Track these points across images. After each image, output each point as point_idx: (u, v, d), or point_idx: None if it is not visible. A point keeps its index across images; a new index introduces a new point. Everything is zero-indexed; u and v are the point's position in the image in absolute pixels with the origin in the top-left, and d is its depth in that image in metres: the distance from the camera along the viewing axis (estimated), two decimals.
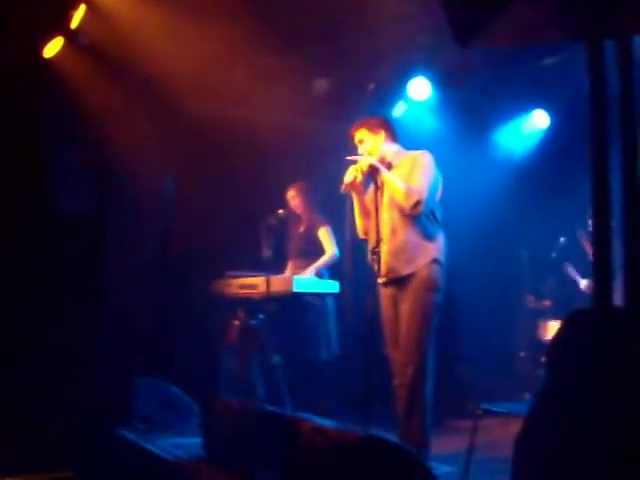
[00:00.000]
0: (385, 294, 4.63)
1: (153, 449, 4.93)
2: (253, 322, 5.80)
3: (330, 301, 6.07)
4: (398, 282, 4.54)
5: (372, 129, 4.73)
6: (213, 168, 6.75)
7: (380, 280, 4.52)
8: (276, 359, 5.63)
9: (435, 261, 4.52)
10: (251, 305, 5.84)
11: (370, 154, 4.66)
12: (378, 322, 4.59)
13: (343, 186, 4.52)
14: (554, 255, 6.92)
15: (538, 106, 7.45)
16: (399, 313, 4.55)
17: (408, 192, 4.45)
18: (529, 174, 7.41)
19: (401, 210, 4.51)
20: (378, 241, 4.35)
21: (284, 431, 3.77)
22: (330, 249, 6.16)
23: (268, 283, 5.57)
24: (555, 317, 6.86)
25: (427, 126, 7.20)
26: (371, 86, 6.91)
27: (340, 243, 6.10)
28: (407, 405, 4.42)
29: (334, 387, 5.83)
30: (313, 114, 7.01)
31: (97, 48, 5.96)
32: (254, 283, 5.80)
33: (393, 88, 7.01)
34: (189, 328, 6.48)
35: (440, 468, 4.00)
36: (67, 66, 6.04)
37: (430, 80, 6.91)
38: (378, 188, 4.52)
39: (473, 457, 3.89)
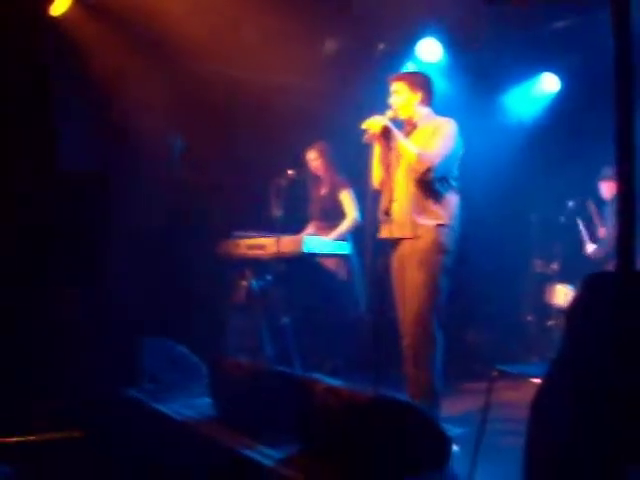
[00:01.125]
0: (395, 255, 4.64)
1: (163, 409, 4.94)
2: (260, 283, 5.79)
3: (343, 262, 6.06)
4: (408, 243, 4.54)
5: (412, 86, 4.68)
6: (220, 130, 6.70)
7: (390, 241, 4.52)
8: (285, 320, 5.64)
9: (445, 224, 4.52)
10: (259, 266, 5.83)
11: (400, 109, 4.64)
12: (388, 283, 4.60)
13: (366, 135, 4.49)
14: (563, 219, 6.92)
15: (548, 70, 7.39)
16: (408, 274, 4.55)
17: (420, 158, 4.45)
18: (538, 138, 7.37)
19: (412, 174, 4.51)
20: (391, 201, 4.32)
21: (297, 391, 3.78)
22: (351, 213, 6.13)
23: (278, 243, 5.56)
24: (562, 281, 6.88)
25: (436, 88, 7.16)
26: (381, 46, 6.85)
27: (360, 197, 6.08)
28: (415, 365, 4.44)
29: (344, 348, 5.84)
30: (322, 75, 6.94)
31: (104, 6, 5.89)
32: (263, 243, 5.78)
33: (403, 49, 6.94)
34: (196, 289, 6.47)
35: (452, 430, 4.01)
36: (74, 25, 5.96)
37: (440, 42, 6.85)
38: (391, 149, 4.47)
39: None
